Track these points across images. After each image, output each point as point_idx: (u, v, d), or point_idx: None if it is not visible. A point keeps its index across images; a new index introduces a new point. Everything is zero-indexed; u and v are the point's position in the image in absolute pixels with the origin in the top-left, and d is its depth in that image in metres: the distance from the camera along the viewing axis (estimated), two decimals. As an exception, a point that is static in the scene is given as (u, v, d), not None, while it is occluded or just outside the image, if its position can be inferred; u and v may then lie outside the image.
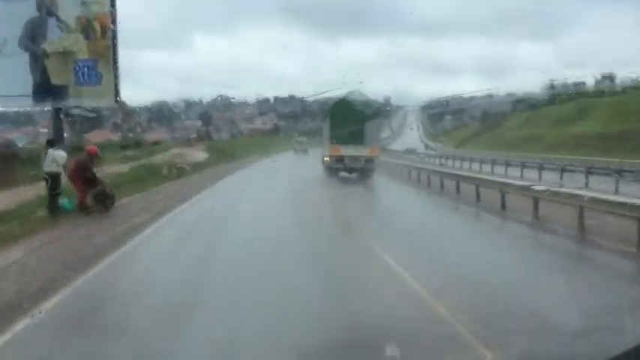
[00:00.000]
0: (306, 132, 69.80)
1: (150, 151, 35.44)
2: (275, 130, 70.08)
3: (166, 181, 22.77)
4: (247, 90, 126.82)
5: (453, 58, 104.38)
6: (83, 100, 17.92)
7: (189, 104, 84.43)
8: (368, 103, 25.52)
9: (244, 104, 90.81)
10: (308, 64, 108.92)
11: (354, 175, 24.61)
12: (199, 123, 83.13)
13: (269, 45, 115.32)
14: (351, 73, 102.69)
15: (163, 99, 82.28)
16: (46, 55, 17.21)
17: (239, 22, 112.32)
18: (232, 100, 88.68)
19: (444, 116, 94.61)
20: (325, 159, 25.33)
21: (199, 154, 34.74)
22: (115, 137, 57.27)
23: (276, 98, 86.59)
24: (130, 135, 72.27)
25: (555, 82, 57.62)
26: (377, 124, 27.10)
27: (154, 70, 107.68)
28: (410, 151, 48.99)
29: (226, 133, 76.35)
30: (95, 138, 53.09)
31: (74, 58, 17.31)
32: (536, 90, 63.50)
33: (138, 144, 45.85)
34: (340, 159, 23.95)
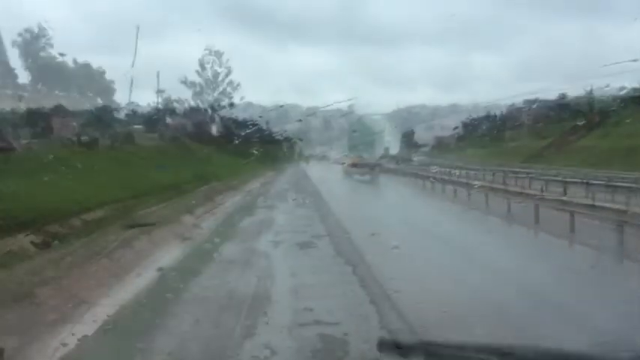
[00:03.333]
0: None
1: None
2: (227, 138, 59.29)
3: None
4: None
5: (409, 68, 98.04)
6: None
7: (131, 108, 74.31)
8: (375, 122, 34.48)
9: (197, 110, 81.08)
10: (259, 71, 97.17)
11: (366, 177, 31.55)
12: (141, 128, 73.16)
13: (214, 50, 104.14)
14: (305, 81, 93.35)
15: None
16: None
17: (180, 26, 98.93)
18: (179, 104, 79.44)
19: (415, 127, 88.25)
20: (344, 164, 34.37)
21: None
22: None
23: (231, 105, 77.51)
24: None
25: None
26: (380, 137, 37.55)
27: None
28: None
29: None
30: None
31: None
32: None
33: None
34: (354, 164, 32.80)
